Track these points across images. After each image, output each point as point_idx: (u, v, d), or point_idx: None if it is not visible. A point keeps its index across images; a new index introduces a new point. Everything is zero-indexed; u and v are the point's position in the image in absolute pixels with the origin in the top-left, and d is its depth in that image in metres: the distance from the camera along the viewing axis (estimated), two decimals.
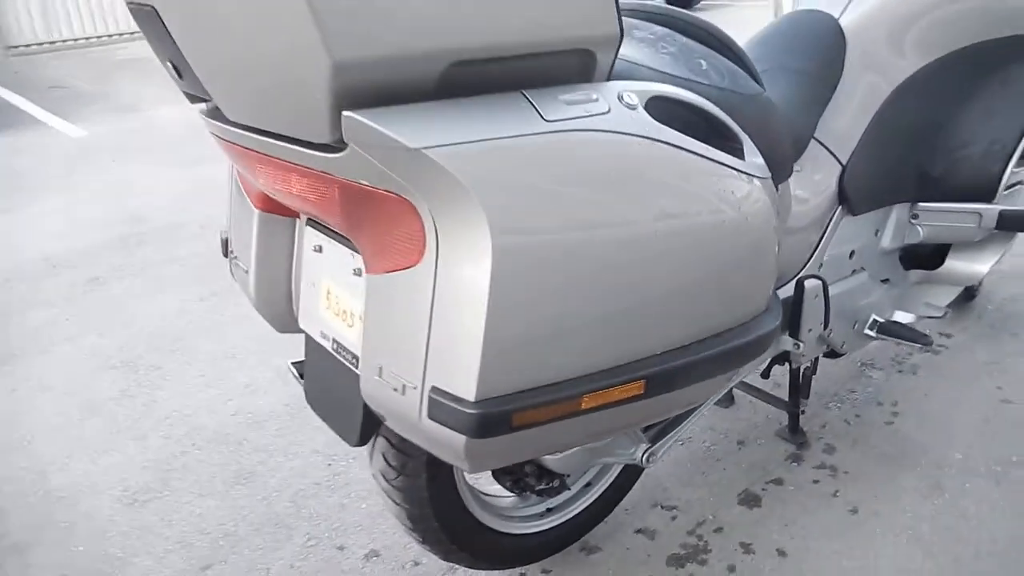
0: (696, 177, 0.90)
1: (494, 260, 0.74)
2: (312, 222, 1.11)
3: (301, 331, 1.20)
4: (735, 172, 0.95)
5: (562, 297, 0.80)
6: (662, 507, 1.56)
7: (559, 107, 0.80)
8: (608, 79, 0.87)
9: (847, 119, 1.41)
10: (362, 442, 1.04)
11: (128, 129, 4.93)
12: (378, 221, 0.84)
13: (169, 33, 0.83)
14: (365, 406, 0.98)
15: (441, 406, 0.80)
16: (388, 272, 0.85)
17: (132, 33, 9.02)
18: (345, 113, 0.72)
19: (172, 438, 1.88)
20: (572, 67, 0.82)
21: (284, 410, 1.96)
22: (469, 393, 0.78)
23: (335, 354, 1.05)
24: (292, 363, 1.26)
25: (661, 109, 0.89)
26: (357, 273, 1.00)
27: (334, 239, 1.05)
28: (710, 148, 0.92)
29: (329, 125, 0.74)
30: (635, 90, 0.87)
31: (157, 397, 2.05)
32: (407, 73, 0.72)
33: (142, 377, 2.14)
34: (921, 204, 1.53)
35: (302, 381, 1.22)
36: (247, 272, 1.17)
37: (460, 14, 0.71)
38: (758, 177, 0.98)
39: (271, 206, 1.12)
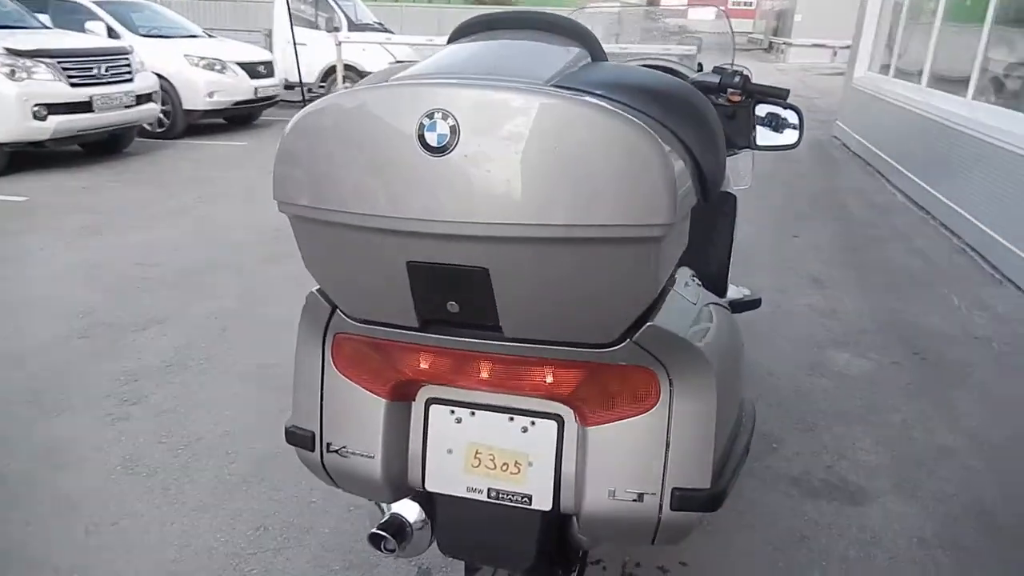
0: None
1: (718, 392, 1.18)
2: (435, 400, 1.30)
3: (408, 495, 1.36)
4: None
5: (734, 397, 1.28)
6: None
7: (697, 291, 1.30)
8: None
9: None
10: (537, 562, 1.30)
11: None
12: (609, 386, 1.19)
13: (491, 286, 1.04)
14: (539, 534, 1.28)
15: (684, 498, 1.18)
16: (613, 422, 1.20)
17: None
18: (651, 323, 1.09)
19: None
20: None
21: None
22: (705, 483, 1.19)
23: (494, 501, 1.28)
24: (377, 530, 1.33)
25: None
26: (524, 431, 1.26)
27: (476, 410, 1.28)
28: None
29: (622, 331, 1.10)
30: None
31: None
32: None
33: None
34: None
35: (391, 542, 1.32)
36: (372, 458, 1.30)
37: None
38: None
39: (398, 395, 1.30)
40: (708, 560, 2.02)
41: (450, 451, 1.30)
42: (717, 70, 2.32)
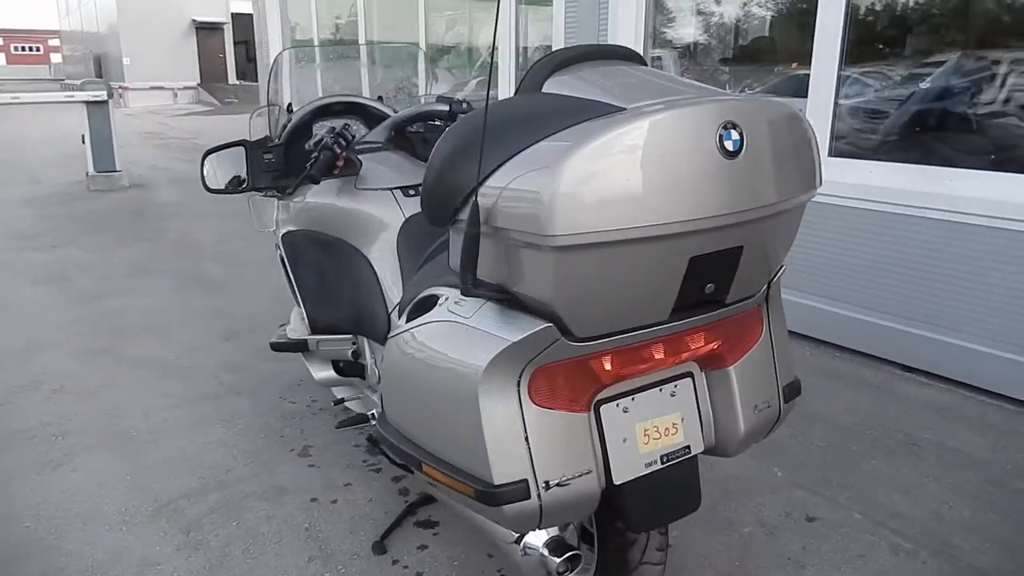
0: None
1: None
2: (602, 402, 1.37)
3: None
4: None
5: None
6: None
7: None
8: None
9: None
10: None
11: None
12: (736, 329, 1.43)
13: (738, 262, 1.25)
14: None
15: (789, 391, 1.53)
16: (741, 358, 1.45)
17: None
18: (783, 266, 1.38)
19: None
20: None
21: None
22: (793, 374, 1.56)
23: (665, 465, 1.43)
24: (573, 550, 1.59)
25: None
26: (673, 395, 1.44)
27: (632, 396, 1.40)
28: None
29: (770, 279, 1.41)
30: None
31: None
32: None
33: None
34: None
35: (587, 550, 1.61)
36: (591, 472, 1.32)
37: None
38: None
39: (590, 406, 1.35)
40: None
41: (625, 440, 1.40)
42: (442, 99, 2.49)
